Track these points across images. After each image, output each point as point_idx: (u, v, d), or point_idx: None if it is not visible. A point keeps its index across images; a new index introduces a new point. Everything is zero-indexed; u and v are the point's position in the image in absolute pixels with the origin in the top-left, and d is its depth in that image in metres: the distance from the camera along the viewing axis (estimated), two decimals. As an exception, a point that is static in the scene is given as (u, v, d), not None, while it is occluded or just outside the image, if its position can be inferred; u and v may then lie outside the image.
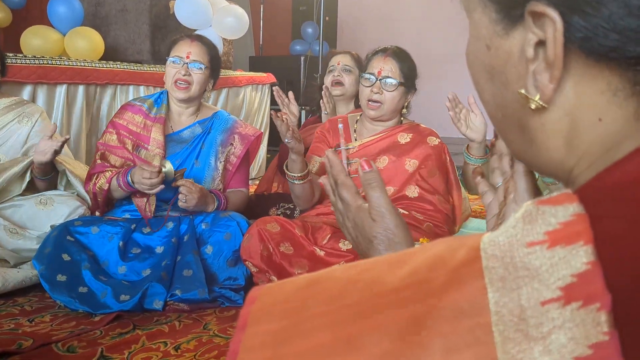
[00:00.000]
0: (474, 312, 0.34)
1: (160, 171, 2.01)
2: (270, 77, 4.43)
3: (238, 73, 4.14)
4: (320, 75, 4.72)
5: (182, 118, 2.33)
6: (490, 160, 0.84)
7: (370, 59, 2.11)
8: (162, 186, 2.01)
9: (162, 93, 2.37)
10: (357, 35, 7.21)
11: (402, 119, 2.19)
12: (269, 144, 4.57)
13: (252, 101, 4.30)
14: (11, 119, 2.23)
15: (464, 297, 0.34)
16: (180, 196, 2.05)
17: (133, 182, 2.04)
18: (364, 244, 0.79)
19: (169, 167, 2.06)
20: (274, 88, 1.89)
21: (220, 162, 2.28)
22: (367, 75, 2.08)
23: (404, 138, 2.12)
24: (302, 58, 5.59)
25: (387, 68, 2.05)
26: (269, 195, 2.67)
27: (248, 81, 4.17)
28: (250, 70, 5.18)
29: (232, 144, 2.31)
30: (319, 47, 4.99)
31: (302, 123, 4.94)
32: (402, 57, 2.08)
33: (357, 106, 2.78)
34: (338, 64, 2.80)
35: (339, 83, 2.76)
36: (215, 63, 2.32)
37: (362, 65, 2.80)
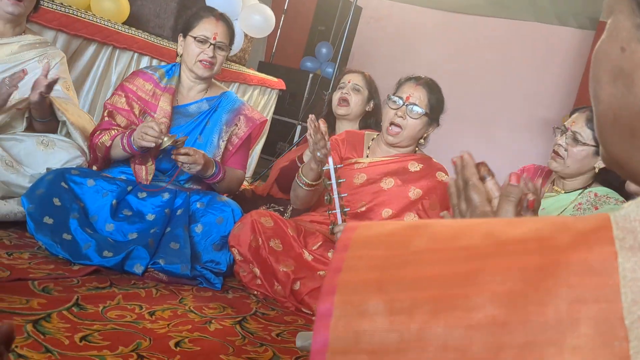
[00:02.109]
0: (604, 272, 0.36)
1: (161, 132, 1.99)
2: (281, 84, 4.47)
3: (251, 71, 4.17)
4: (329, 94, 4.79)
5: (191, 93, 2.34)
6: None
7: (402, 84, 2.15)
8: (153, 144, 1.99)
9: (174, 65, 2.38)
10: (368, 64, 7.32)
11: (416, 148, 2.23)
12: (262, 152, 4.58)
13: (258, 103, 4.32)
14: (32, 57, 2.21)
15: (594, 257, 0.37)
16: (184, 165, 2.03)
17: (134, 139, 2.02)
18: None
19: (168, 138, 2.03)
20: (321, 122, 1.85)
21: (223, 140, 2.29)
22: (394, 98, 2.12)
23: (414, 166, 2.16)
24: (311, 75, 5.64)
25: (416, 95, 2.09)
26: (262, 195, 2.68)
27: (259, 82, 4.20)
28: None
29: (236, 125, 2.33)
30: (333, 69, 5.05)
31: (300, 137, 4.98)
32: (433, 89, 2.13)
33: (361, 128, 2.81)
34: (349, 82, 2.83)
35: (345, 101, 2.79)
36: (232, 42, 2.35)
37: (372, 87, 2.85)
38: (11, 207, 1.91)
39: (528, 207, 0.76)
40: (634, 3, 0.50)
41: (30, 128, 2.15)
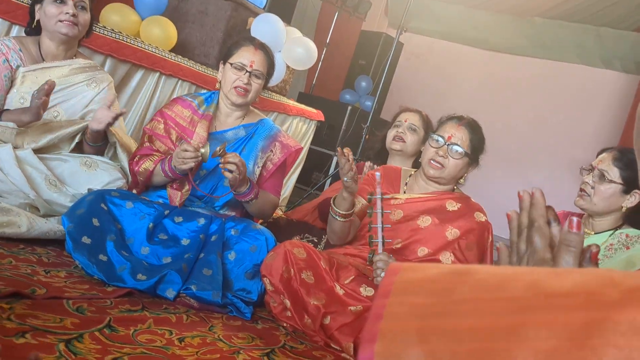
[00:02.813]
0: None
1: (197, 149, 2.03)
2: (320, 115, 4.51)
3: (291, 102, 4.22)
4: (367, 127, 4.80)
5: (229, 120, 2.38)
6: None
7: (444, 123, 2.15)
8: (193, 164, 2.02)
9: (213, 93, 2.43)
10: (406, 99, 7.34)
11: (455, 187, 2.21)
12: (297, 181, 4.60)
13: (297, 133, 4.35)
14: (81, 80, 2.29)
15: None
16: (227, 166, 2.03)
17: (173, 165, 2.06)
18: None
19: (206, 149, 2.07)
20: (346, 150, 1.86)
21: (258, 167, 2.31)
22: (436, 137, 2.11)
23: (452, 206, 2.13)
24: (350, 107, 5.69)
25: (458, 135, 2.09)
26: (297, 222, 2.68)
27: (298, 112, 4.24)
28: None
29: (272, 151, 2.35)
30: (371, 102, 5.08)
31: (335, 168, 4.99)
32: (475, 130, 2.12)
33: (415, 167, 2.80)
34: (405, 121, 2.81)
35: (400, 139, 2.78)
36: (270, 72, 2.39)
37: (429, 127, 2.83)
38: (52, 225, 1.95)
39: (591, 259, 0.71)
40: None
41: (75, 149, 2.21)
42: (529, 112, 6.89)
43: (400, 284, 0.43)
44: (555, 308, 0.37)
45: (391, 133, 2.82)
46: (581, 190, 2.06)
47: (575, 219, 0.73)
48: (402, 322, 0.40)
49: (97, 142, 2.19)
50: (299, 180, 4.74)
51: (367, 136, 4.86)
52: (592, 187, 2.01)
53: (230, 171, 2.02)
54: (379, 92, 5.10)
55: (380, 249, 1.90)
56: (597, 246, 0.71)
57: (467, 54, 7.45)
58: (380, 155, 2.95)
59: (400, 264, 0.46)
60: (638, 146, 0.54)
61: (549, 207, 0.79)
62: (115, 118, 2.08)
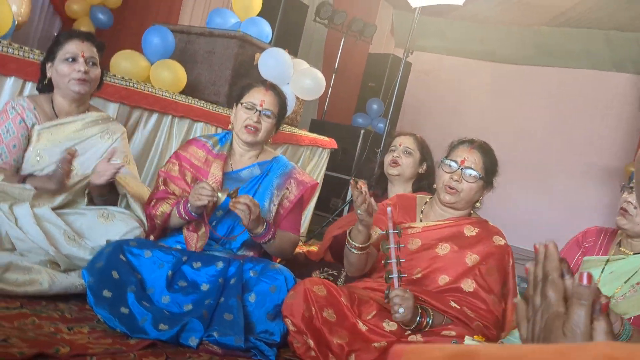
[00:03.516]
0: None
1: (215, 190, 2.06)
2: (333, 143, 4.52)
3: (303, 132, 4.24)
4: (381, 152, 4.80)
5: (244, 159, 2.40)
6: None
7: (456, 147, 2.14)
8: (207, 201, 2.05)
9: (227, 133, 2.46)
10: (419, 119, 7.34)
11: (471, 212, 2.19)
12: (316, 208, 4.60)
13: (310, 162, 4.37)
14: (95, 133, 2.33)
15: None
16: (240, 206, 2.05)
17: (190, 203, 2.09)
18: None
19: (223, 195, 2.09)
20: (360, 183, 1.87)
21: (274, 205, 2.31)
22: (448, 162, 2.11)
23: (470, 231, 2.12)
24: (362, 131, 5.70)
25: (471, 159, 2.08)
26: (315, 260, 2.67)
27: (310, 142, 4.26)
28: (311, 131, 5.31)
29: (287, 188, 2.35)
30: (384, 125, 5.08)
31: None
32: (487, 152, 2.11)
33: (415, 189, 2.79)
34: (400, 145, 2.84)
35: (396, 163, 2.80)
36: (282, 112, 2.42)
37: (424, 149, 2.84)
38: (73, 280, 1.97)
39: (601, 310, 0.70)
40: None
41: (92, 202, 2.24)
42: (543, 120, 6.84)
43: None
44: None
45: (387, 158, 2.84)
46: (622, 209, 1.96)
47: (585, 273, 0.72)
48: None
49: (102, 195, 2.21)
50: (317, 208, 4.74)
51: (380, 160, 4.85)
52: (635, 207, 1.93)
53: (243, 210, 2.03)
54: (390, 113, 5.10)
55: (396, 284, 1.89)
56: (607, 297, 0.70)
57: (476, 68, 7.45)
58: (381, 182, 2.96)
59: (403, 346, 0.45)
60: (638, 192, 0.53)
61: (562, 259, 0.78)
62: (115, 172, 2.10)
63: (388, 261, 1.91)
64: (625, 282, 1.94)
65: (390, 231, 1.89)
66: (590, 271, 1.94)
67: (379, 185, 2.97)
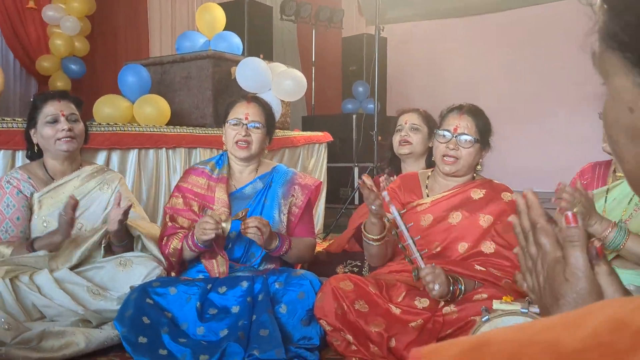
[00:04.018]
0: None
1: (218, 222, 2.07)
2: (327, 137, 4.53)
3: (296, 133, 4.25)
4: (376, 133, 4.80)
5: (244, 175, 2.41)
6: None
7: (446, 116, 2.15)
8: (213, 234, 2.06)
9: (222, 155, 2.46)
10: (406, 92, 7.33)
11: (474, 175, 2.20)
12: (327, 202, 4.61)
13: (309, 161, 4.38)
14: (93, 186, 2.36)
15: None
16: (250, 230, 2.07)
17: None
18: (549, 299, 0.75)
19: (227, 224, 2.10)
20: (367, 180, 1.87)
21: (284, 214, 2.33)
22: (442, 132, 2.11)
23: (478, 194, 2.12)
24: (354, 116, 5.70)
25: (463, 125, 2.08)
26: (337, 253, 2.68)
27: (306, 140, 4.28)
28: (304, 129, 5.32)
29: (293, 195, 2.36)
30: (374, 105, 5.08)
31: (359, 180, 5.00)
32: (477, 114, 2.11)
33: (429, 165, 2.78)
34: (405, 123, 2.79)
35: (407, 142, 2.77)
36: (270, 121, 2.42)
37: (430, 122, 2.82)
38: (107, 333, 1.99)
39: (597, 255, 0.70)
40: (628, 63, 0.48)
41: (107, 254, 2.26)
42: (530, 61, 6.79)
43: None
44: None
45: (396, 139, 2.81)
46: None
47: (569, 213, 0.72)
48: None
49: (122, 241, 2.24)
50: (328, 201, 4.76)
51: (379, 138, 4.84)
52: None
53: (254, 233, 2.06)
54: (376, 92, 5.10)
55: (421, 263, 1.89)
56: (599, 240, 0.71)
57: (451, 26, 7.41)
58: (394, 163, 2.94)
59: (420, 348, 0.46)
60: (615, 153, 0.54)
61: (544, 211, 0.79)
62: (125, 213, 2.11)
63: (403, 244, 1.91)
64: (629, 203, 1.99)
65: (395, 214, 1.89)
66: (595, 205, 1.95)
67: (392, 167, 2.95)
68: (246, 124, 2.31)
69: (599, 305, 0.43)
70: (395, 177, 2.75)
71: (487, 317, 1.52)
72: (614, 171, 2.12)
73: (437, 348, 0.46)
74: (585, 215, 1.83)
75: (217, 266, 2.21)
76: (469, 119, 2.10)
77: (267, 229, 2.09)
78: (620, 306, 0.41)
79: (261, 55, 4.09)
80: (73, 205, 2.07)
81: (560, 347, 0.39)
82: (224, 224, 2.08)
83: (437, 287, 1.86)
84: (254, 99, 2.42)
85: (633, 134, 0.50)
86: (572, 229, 0.72)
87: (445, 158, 2.10)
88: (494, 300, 1.55)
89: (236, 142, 2.31)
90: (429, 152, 2.78)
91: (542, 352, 0.40)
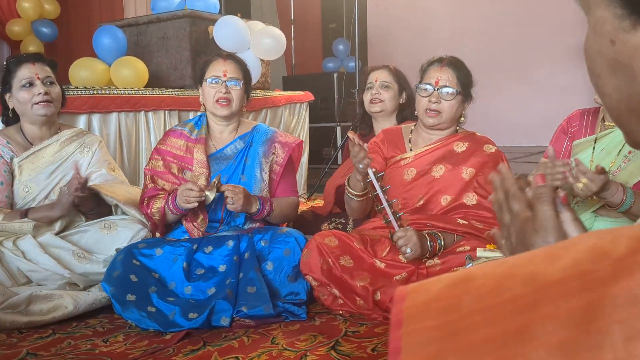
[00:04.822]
0: None
1: (202, 190, 2.07)
2: (309, 95, 4.49)
3: (277, 93, 4.21)
4: (358, 91, 4.77)
5: (224, 136, 2.39)
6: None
7: (427, 69, 2.14)
8: (196, 204, 2.07)
9: (201, 116, 2.44)
10: (388, 48, 7.25)
11: (457, 128, 2.21)
12: (309, 162, 4.61)
13: (291, 120, 4.36)
14: (73, 150, 2.33)
15: (637, 284, 0.36)
16: (227, 200, 2.10)
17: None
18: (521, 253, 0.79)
19: (211, 193, 2.09)
20: (355, 137, 1.87)
21: (265, 172, 2.32)
22: (424, 86, 2.10)
23: (460, 147, 2.14)
24: (335, 75, 5.65)
25: (444, 77, 2.07)
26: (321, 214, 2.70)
27: (287, 100, 4.24)
28: (285, 89, 5.27)
29: (274, 153, 2.36)
30: (355, 63, 5.03)
31: (342, 139, 4.99)
32: (458, 66, 2.11)
33: (399, 121, 2.78)
34: (376, 81, 2.76)
35: (378, 100, 2.75)
36: (247, 78, 2.40)
37: (401, 78, 2.81)
38: (95, 295, 2.01)
39: (562, 203, 0.76)
40: None
41: (89, 219, 2.25)
42: (513, 12, 6.71)
43: (409, 311, 0.44)
44: (555, 298, 0.39)
45: (367, 97, 2.79)
46: None
47: (537, 175, 0.79)
48: (419, 351, 0.41)
49: (91, 209, 2.22)
50: (311, 161, 4.75)
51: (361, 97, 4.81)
52: None
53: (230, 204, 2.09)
54: (357, 50, 5.04)
55: (395, 226, 1.92)
56: (563, 190, 0.76)
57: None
58: (365, 120, 2.93)
59: (405, 287, 0.47)
60: (597, 87, 0.55)
61: (519, 178, 0.84)
62: (83, 188, 2.04)
63: (380, 207, 1.93)
64: (618, 154, 1.98)
65: (372, 177, 1.91)
66: (581, 153, 1.96)
67: (364, 125, 2.95)
68: (225, 81, 2.29)
69: (578, 237, 0.44)
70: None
71: (470, 264, 1.55)
72: (603, 120, 2.11)
73: (422, 285, 0.47)
74: (605, 187, 1.79)
75: (198, 227, 2.21)
76: (450, 71, 2.09)
77: (241, 196, 2.09)
78: (599, 237, 0.42)
79: (239, 14, 4.00)
80: (76, 181, 2.02)
81: (541, 278, 0.40)
82: (207, 192, 2.07)
83: (409, 250, 1.90)
84: (229, 56, 2.39)
85: (614, 65, 0.50)
86: (541, 187, 0.78)
87: (427, 111, 2.10)
88: (477, 249, 1.58)
89: (217, 101, 2.28)
90: (399, 108, 2.78)
91: (524, 283, 0.41)
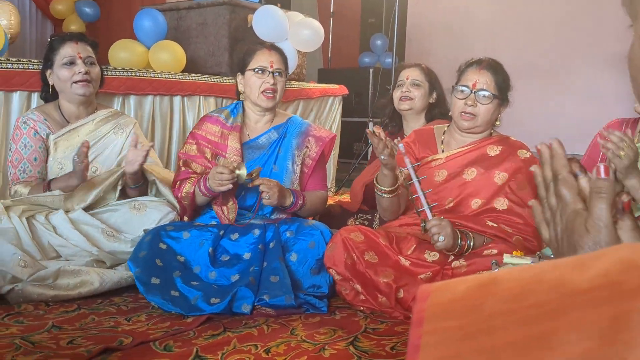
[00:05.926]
0: None
1: (233, 170, 2.07)
2: (343, 89, 4.48)
3: (311, 85, 4.21)
4: (392, 87, 4.74)
5: (259, 125, 2.40)
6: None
7: (464, 71, 2.10)
8: (230, 185, 2.07)
9: (237, 104, 2.45)
10: (426, 46, 7.18)
11: (492, 131, 2.17)
12: (339, 156, 4.60)
13: (323, 113, 4.35)
14: (108, 130, 2.37)
15: None
16: (263, 194, 2.10)
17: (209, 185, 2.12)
18: (567, 250, 0.74)
19: (242, 171, 2.11)
20: (375, 129, 1.87)
21: (297, 165, 2.33)
22: (461, 88, 2.07)
23: (494, 150, 2.10)
24: (371, 70, 5.62)
25: (482, 80, 2.04)
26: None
27: (321, 93, 4.23)
28: (319, 82, 5.26)
29: (307, 147, 2.36)
30: (392, 59, 4.99)
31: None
32: (497, 69, 2.07)
33: (429, 120, 2.75)
34: (407, 79, 2.75)
35: (407, 98, 2.73)
36: (287, 67, 2.41)
37: (432, 77, 2.78)
38: (121, 274, 2.04)
39: (624, 209, 0.68)
40: None
41: (122, 196, 2.28)
42: (555, 17, 6.58)
43: (431, 309, 0.43)
44: (582, 307, 0.37)
45: (397, 94, 2.77)
46: None
47: (602, 165, 0.69)
48: (440, 350, 0.41)
49: (137, 182, 2.26)
50: (341, 155, 4.74)
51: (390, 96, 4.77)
52: None
53: (265, 198, 2.10)
54: (395, 46, 5.00)
55: (429, 215, 1.90)
56: (628, 195, 0.69)
57: (475, -20, 7.17)
58: (394, 118, 2.91)
59: (429, 285, 0.46)
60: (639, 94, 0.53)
61: (572, 159, 0.77)
62: (146, 155, 2.13)
63: (414, 196, 1.91)
64: None
65: (409, 166, 1.89)
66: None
67: (393, 123, 2.93)
68: (272, 72, 2.29)
69: (610, 249, 0.43)
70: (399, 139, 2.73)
71: (497, 269, 1.53)
72: None
73: (446, 284, 0.46)
74: (627, 167, 1.73)
75: (227, 212, 2.23)
76: (488, 74, 2.05)
77: (275, 190, 2.10)
78: (632, 249, 0.41)
79: (278, 4, 4.01)
80: (85, 151, 2.08)
81: (569, 285, 0.39)
82: (238, 171, 2.09)
83: (441, 238, 1.86)
84: (273, 46, 2.39)
85: None
86: (602, 181, 0.70)
87: (463, 114, 2.07)
88: (504, 254, 1.56)
89: (263, 91, 2.29)
90: (428, 107, 2.75)
91: (550, 289, 0.40)
